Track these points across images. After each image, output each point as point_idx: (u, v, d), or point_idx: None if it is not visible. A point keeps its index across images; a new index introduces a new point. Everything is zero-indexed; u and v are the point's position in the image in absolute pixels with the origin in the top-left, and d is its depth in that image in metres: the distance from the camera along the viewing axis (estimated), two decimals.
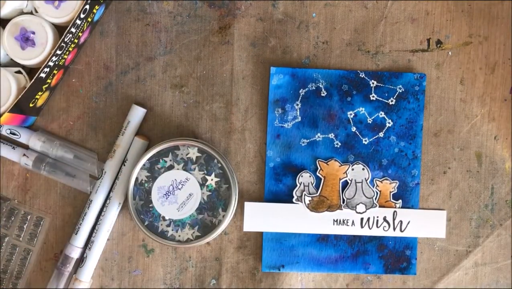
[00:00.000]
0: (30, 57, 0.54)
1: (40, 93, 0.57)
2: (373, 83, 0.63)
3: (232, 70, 0.63)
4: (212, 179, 0.60)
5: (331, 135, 0.63)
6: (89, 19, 0.57)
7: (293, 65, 0.63)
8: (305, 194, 0.62)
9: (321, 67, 0.63)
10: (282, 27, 0.63)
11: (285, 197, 0.63)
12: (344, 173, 0.63)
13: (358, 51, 0.64)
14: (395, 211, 0.63)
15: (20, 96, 0.53)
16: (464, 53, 0.64)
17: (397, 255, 0.64)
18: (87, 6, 0.54)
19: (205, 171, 0.60)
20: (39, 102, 0.58)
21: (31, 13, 0.55)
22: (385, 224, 0.63)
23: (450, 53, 0.64)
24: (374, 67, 0.63)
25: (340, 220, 0.63)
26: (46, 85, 0.57)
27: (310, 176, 0.62)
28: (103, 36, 0.62)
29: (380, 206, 0.63)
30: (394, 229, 0.63)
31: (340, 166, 0.63)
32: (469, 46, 0.64)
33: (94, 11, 0.57)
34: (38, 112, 0.61)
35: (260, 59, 0.63)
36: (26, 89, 0.53)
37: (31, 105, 0.56)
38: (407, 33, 0.64)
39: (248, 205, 0.62)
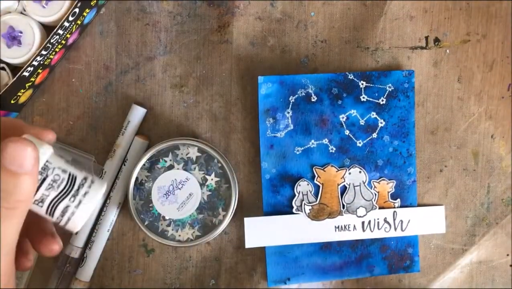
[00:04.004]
0: (15, 56, 0.54)
1: (22, 91, 0.56)
2: (362, 84, 0.62)
3: (231, 69, 0.63)
4: (212, 179, 0.60)
5: (325, 141, 0.62)
6: (79, 22, 0.57)
7: (292, 65, 0.63)
8: (304, 204, 0.62)
9: (320, 65, 0.63)
10: (281, 26, 0.63)
11: (285, 208, 0.62)
12: (341, 178, 0.62)
13: (357, 48, 0.63)
14: (394, 211, 0.63)
15: (0, 93, 0.53)
16: (462, 51, 0.64)
17: (400, 254, 0.64)
18: (77, 9, 0.54)
19: (205, 171, 0.60)
20: (21, 99, 0.58)
21: (21, 12, 0.55)
22: (386, 225, 0.63)
23: (448, 51, 0.64)
24: (374, 64, 0.63)
25: (341, 226, 0.62)
26: (30, 83, 0.57)
27: (308, 184, 0.62)
28: (103, 36, 0.62)
29: (379, 207, 0.63)
30: (395, 229, 0.63)
31: (337, 171, 0.62)
32: (467, 44, 0.64)
33: (85, 14, 0.57)
34: (20, 109, 0.61)
35: (259, 58, 0.63)
36: (7, 86, 0.53)
37: (12, 101, 0.56)
38: (406, 30, 0.64)
39: (248, 221, 0.61)
